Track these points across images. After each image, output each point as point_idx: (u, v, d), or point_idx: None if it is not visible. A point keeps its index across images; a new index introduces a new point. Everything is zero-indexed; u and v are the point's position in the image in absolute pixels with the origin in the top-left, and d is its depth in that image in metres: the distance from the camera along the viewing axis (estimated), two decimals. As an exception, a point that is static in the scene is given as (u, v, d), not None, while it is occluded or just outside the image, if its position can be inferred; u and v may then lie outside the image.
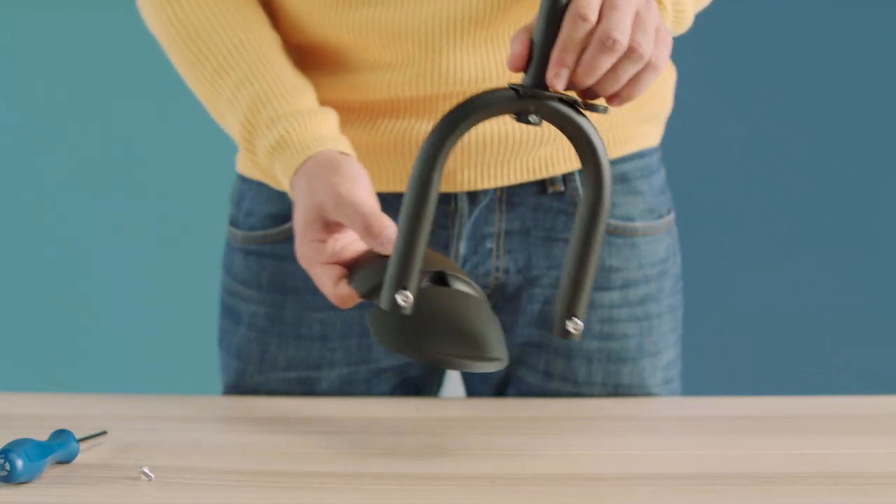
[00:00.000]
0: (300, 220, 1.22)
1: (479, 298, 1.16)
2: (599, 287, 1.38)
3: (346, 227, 1.21)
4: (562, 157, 1.37)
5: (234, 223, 1.44)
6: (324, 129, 1.27)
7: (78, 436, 1.11)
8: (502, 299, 1.38)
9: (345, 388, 1.41)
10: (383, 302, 1.07)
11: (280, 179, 1.27)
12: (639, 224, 1.39)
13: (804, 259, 2.74)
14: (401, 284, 1.07)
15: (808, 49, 2.68)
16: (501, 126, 1.32)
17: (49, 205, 2.70)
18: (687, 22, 1.26)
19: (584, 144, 1.06)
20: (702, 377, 2.65)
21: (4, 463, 1.01)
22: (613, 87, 1.07)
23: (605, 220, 1.07)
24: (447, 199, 1.37)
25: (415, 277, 1.07)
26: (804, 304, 2.76)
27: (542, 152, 1.36)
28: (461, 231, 1.37)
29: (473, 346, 1.09)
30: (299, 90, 1.28)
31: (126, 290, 2.72)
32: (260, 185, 1.41)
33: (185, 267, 2.67)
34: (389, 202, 1.30)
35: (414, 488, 1.03)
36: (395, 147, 1.34)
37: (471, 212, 1.37)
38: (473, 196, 1.37)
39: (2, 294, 2.74)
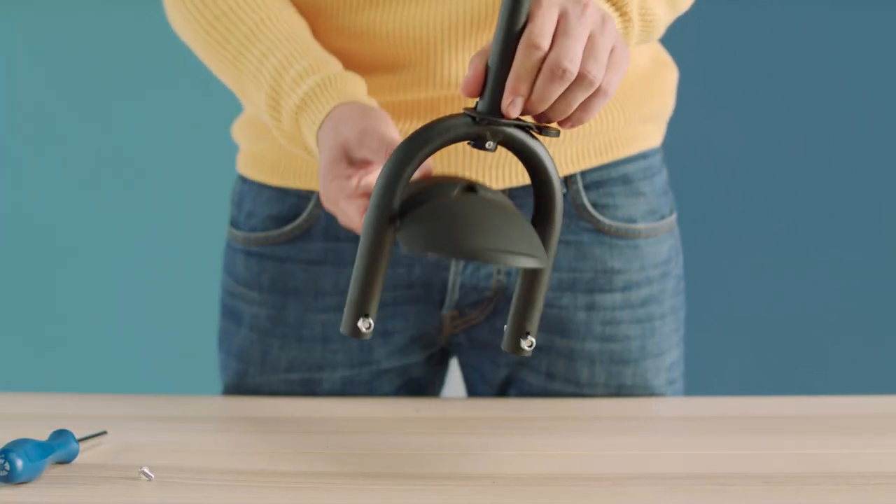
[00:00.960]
0: (324, 162, 1.19)
1: (512, 206, 1.11)
2: (601, 289, 1.38)
3: (372, 164, 1.18)
4: (564, 160, 1.37)
5: (234, 224, 1.44)
6: (351, 88, 1.24)
7: (78, 436, 1.11)
8: (504, 302, 1.38)
9: (346, 390, 1.41)
10: (343, 327, 1.06)
11: (306, 138, 1.24)
12: (641, 225, 1.39)
13: (805, 259, 2.74)
14: (362, 311, 1.06)
15: (809, 49, 2.68)
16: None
17: (48, 205, 2.70)
18: (659, 31, 1.26)
19: (538, 169, 1.07)
20: (703, 377, 2.65)
21: (4, 463, 1.01)
22: (565, 113, 1.07)
23: (556, 241, 1.07)
24: (447, 200, 1.37)
25: (375, 303, 1.06)
26: (805, 305, 2.76)
27: (544, 154, 1.37)
28: (464, 232, 1.37)
29: (510, 242, 1.06)
30: (326, 58, 1.26)
31: (126, 290, 2.72)
32: (261, 187, 1.41)
33: (185, 267, 2.67)
34: None
35: (414, 488, 1.03)
36: None
37: (472, 214, 1.37)
38: (474, 198, 1.37)
39: (1, 294, 2.74)
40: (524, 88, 1.05)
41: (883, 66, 2.68)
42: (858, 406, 1.41)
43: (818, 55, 2.67)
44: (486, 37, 1.29)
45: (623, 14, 1.19)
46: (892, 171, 2.73)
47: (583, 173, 1.38)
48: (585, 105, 1.08)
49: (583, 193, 1.38)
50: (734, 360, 2.72)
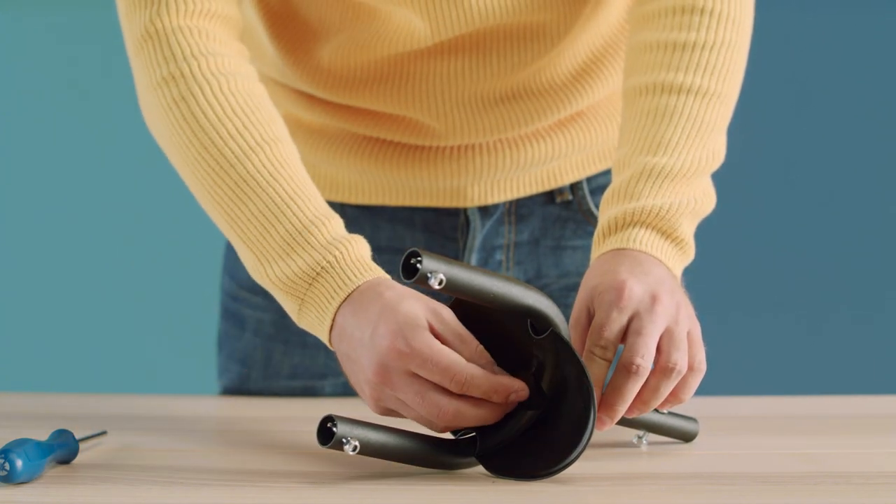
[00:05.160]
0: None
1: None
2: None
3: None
4: (569, 169, 1.38)
5: (236, 227, 1.44)
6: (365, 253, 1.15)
7: (78, 436, 1.11)
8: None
9: (348, 393, 1.41)
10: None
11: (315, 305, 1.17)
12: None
13: (804, 259, 2.74)
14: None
15: (806, 49, 2.68)
16: (512, 147, 1.33)
17: (48, 204, 2.70)
18: (711, 200, 1.25)
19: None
20: (704, 377, 2.64)
21: (4, 463, 1.01)
22: (659, 401, 1.09)
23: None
24: (456, 213, 1.37)
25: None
26: (804, 305, 2.76)
27: (551, 166, 1.37)
28: (473, 243, 1.37)
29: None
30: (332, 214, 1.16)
31: (126, 290, 2.72)
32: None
33: (184, 267, 2.68)
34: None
35: (414, 488, 1.03)
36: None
37: (482, 225, 1.37)
38: (484, 210, 1.37)
39: (2, 294, 2.74)
40: (597, 392, 1.06)
41: (882, 67, 2.68)
42: (858, 406, 1.41)
43: (816, 56, 2.68)
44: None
45: (675, 240, 1.17)
46: (892, 172, 2.73)
47: (588, 179, 1.39)
48: (681, 386, 1.10)
49: (588, 199, 1.39)
50: (733, 360, 2.72)
